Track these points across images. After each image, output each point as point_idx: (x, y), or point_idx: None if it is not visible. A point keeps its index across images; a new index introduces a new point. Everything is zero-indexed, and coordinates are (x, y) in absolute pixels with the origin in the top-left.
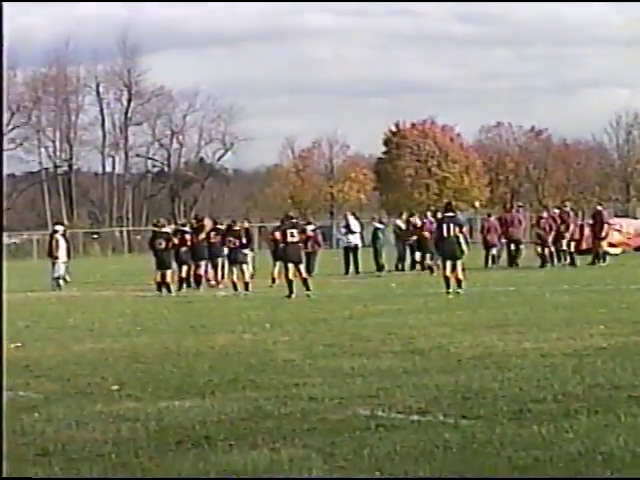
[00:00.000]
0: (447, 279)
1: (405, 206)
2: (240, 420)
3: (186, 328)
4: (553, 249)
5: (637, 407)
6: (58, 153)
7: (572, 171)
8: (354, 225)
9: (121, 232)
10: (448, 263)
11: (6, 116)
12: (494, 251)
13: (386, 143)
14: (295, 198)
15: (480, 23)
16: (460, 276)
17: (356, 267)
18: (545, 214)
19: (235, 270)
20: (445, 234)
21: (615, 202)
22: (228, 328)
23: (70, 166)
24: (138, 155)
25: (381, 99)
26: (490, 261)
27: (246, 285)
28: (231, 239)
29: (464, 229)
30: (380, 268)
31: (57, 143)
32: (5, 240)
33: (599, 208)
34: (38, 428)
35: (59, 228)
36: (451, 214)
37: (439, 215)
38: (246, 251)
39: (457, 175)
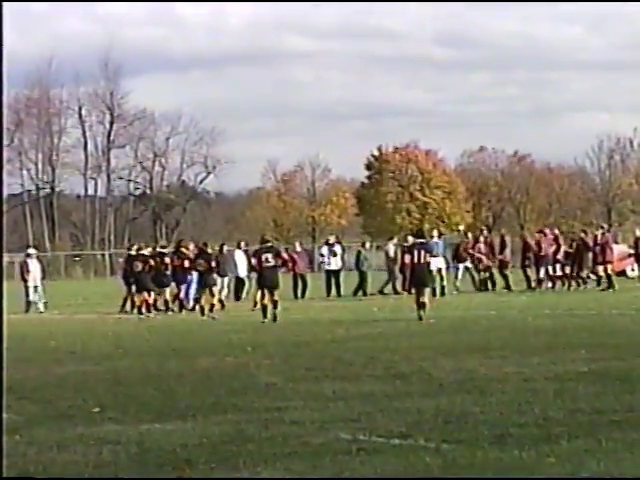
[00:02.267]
0: (421, 304)
1: (388, 230)
2: (222, 443)
3: (168, 351)
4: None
5: (618, 432)
6: (40, 175)
7: (554, 195)
8: (337, 249)
9: (103, 255)
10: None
11: None
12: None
13: (368, 167)
14: (277, 221)
15: (460, 47)
16: (426, 301)
17: (338, 290)
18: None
19: (204, 294)
20: (416, 260)
21: (597, 227)
22: (210, 351)
23: (52, 188)
24: (120, 178)
25: (362, 122)
26: (482, 284)
27: (211, 307)
28: (201, 262)
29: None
30: (365, 292)
31: (39, 165)
32: None
33: (602, 232)
34: (20, 450)
35: (31, 252)
36: (422, 240)
37: (410, 241)
38: (215, 275)
39: (439, 200)
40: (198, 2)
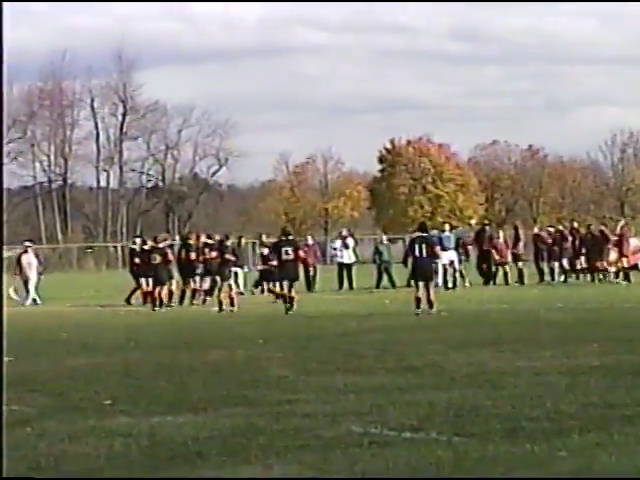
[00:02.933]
0: (418, 300)
1: (400, 223)
2: (233, 436)
3: (179, 344)
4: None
5: (630, 426)
6: (53, 167)
7: (567, 189)
8: (349, 241)
9: (115, 247)
10: (420, 284)
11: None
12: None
13: (381, 160)
14: (289, 214)
15: (473, 41)
16: (432, 297)
17: (350, 283)
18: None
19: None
20: (417, 254)
21: (610, 220)
22: (221, 344)
23: (65, 180)
24: (133, 170)
25: (375, 116)
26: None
27: (231, 301)
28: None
29: (436, 248)
30: (377, 285)
31: (52, 157)
32: None
33: (621, 225)
34: (31, 442)
35: (28, 244)
36: (423, 234)
37: (411, 235)
38: (235, 268)
39: (452, 193)
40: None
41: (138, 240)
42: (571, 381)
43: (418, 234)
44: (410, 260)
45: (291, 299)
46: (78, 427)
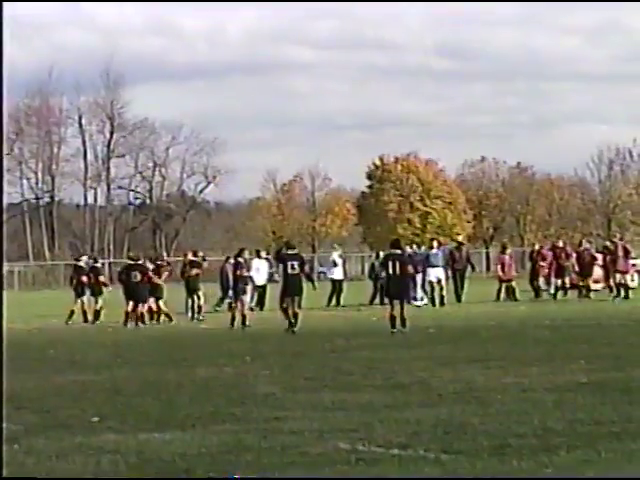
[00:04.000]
0: (393, 318)
1: (388, 240)
2: (220, 453)
3: (167, 360)
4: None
5: (617, 443)
6: (40, 184)
7: (554, 206)
8: (335, 258)
9: (102, 264)
10: (395, 301)
11: None
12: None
13: (369, 177)
14: (277, 231)
15: (459, 58)
16: (405, 315)
17: (337, 300)
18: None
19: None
20: (391, 271)
21: (597, 237)
22: (209, 361)
23: (52, 197)
24: (120, 187)
25: (362, 132)
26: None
27: (243, 318)
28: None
29: (408, 267)
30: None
31: (39, 174)
32: None
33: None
34: (18, 460)
35: None
36: (398, 251)
37: (384, 252)
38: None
39: (440, 211)
40: (201, 1)
41: (84, 258)
42: (558, 398)
43: (391, 251)
44: (384, 277)
45: (295, 316)
46: (66, 444)
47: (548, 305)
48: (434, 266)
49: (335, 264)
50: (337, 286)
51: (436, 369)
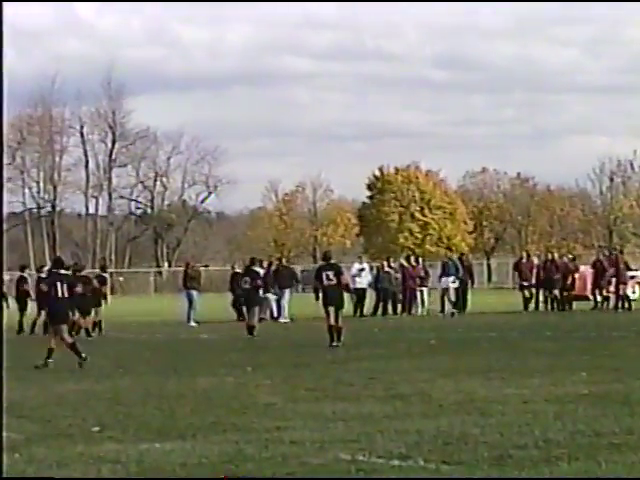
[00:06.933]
0: (331, 328)
1: (389, 250)
2: (221, 463)
3: (168, 370)
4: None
5: (618, 454)
6: (42, 194)
7: (555, 217)
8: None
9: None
10: (330, 311)
11: None
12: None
13: (370, 187)
14: (278, 241)
15: (457, 69)
16: (340, 324)
17: (361, 310)
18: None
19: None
20: (325, 282)
21: (598, 249)
22: (210, 371)
23: (53, 207)
24: (122, 197)
25: (363, 143)
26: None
27: (251, 328)
28: (247, 279)
29: (343, 277)
30: (395, 310)
31: (41, 184)
32: None
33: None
34: (19, 469)
35: None
36: (329, 262)
37: (319, 263)
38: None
39: (440, 221)
40: (201, 2)
41: (47, 269)
42: (559, 409)
43: (324, 262)
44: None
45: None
46: (66, 453)
47: (549, 317)
48: (449, 275)
49: (360, 274)
50: (362, 295)
51: (437, 380)
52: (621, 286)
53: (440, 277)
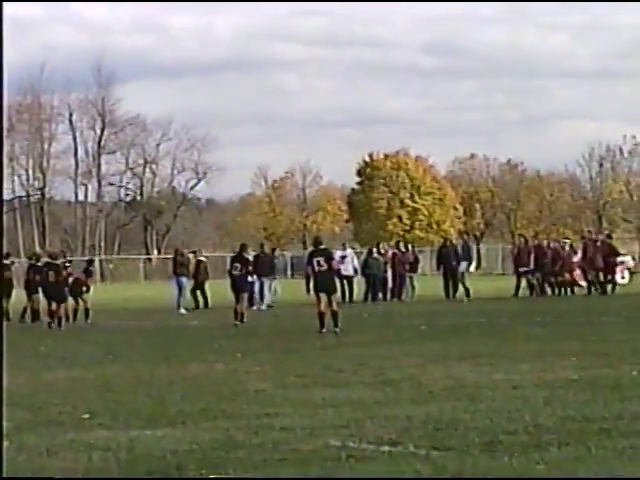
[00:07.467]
0: (322, 315)
1: (379, 237)
2: (211, 450)
3: (158, 357)
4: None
5: (608, 439)
6: (31, 181)
7: (545, 203)
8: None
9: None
10: (322, 297)
11: None
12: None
13: (359, 173)
14: (268, 228)
15: (446, 55)
16: (335, 308)
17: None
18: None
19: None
20: (316, 268)
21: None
22: (200, 358)
23: (43, 194)
24: (111, 184)
25: (352, 129)
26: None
27: (240, 314)
28: (237, 265)
29: (333, 262)
30: (385, 297)
31: (30, 171)
32: None
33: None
34: (9, 456)
35: None
36: (320, 248)
37: (310, 249)
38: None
39: (429, 207)
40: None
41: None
42: (549, 395)
43: (314, 248)
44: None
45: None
46: (57, 441)
47: (538, 302)
48: (461, 260)
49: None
50: (349, 282)
51: (427, 365)
52: (593, 272)
53: (455, 262)
